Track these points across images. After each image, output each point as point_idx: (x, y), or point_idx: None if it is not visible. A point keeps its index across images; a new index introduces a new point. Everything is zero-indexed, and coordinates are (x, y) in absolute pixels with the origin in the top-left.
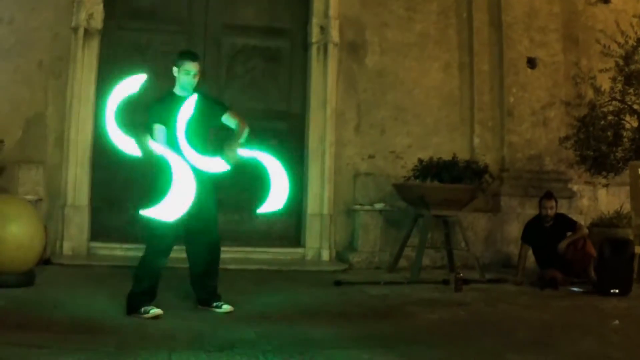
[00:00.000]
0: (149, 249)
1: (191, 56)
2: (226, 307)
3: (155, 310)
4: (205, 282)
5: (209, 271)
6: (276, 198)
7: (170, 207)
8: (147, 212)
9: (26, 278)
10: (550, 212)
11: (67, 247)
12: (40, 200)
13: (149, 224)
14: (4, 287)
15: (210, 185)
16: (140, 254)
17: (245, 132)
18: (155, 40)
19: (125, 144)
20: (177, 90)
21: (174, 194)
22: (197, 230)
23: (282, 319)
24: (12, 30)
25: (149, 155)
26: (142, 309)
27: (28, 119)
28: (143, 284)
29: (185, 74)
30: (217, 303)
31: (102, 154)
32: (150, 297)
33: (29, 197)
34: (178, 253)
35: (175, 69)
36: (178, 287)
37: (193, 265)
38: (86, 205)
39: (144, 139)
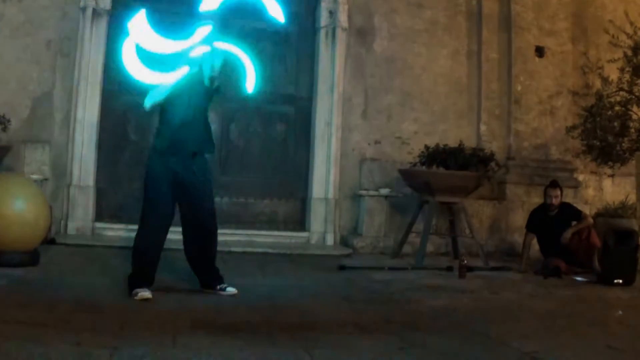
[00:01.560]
0: (139, 228)
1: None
2: (230, 290)
3: (143, 293)
4: (206, 264)
5: (209, 253)
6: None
7: None
8: None
9: (31, 257)
10: (555, 201)
11: (71, 227)
12: (46, 179)
13: (143, 203)
14: (9, 266)
15: (205, 166)
16: None
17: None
18: (162, 22)
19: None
20: None
21: None
22: (193, 213)
23: (287, 303)
24: (21, 9)
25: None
26: (133, 291)
27: (35, 98)
28: (135, 265)
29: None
30: (221, 285)
31: (108, 135)
32: (143, 279)
33: (34, 176)
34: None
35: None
36: (180, 269)
37: (191, 249)
38: (92, 186)
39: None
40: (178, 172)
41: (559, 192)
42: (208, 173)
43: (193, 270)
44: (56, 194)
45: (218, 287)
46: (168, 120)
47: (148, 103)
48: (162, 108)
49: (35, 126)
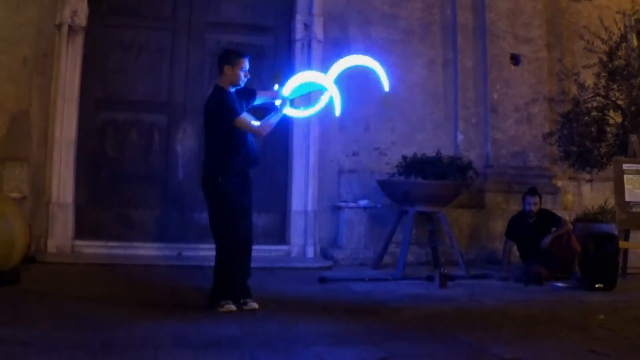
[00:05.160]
0: (221, 246)
1: (245, 53)
2: (252, 305)
3: (228, 306)
4: (243, 278)
5: (247, 267)
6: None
7: None
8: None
9: (11, 276)
10: (534, 208)
11: (51, 245)
12: (25, 198)
13: (217, 223)
14: None
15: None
16: (122, 252)
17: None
18: (139, 37)
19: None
20: (230, 86)
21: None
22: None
23: (268, 316)
24: None
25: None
26: (220, 302)
27: (12, 116)
28: (219, 280)
29: (242, 70)
30: (244, 300)
31: (86, 151)
32: (229, 293)
33: (13, 194)
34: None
35: (228, 67)
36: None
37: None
38: (70, 203)
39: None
40: (248, 188)
41: (537, 199)
42: None
43: None
44: (35, 212)
45: (242, 300)
46: (241, 141)
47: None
48: (234, 130)
49: (13, 144)
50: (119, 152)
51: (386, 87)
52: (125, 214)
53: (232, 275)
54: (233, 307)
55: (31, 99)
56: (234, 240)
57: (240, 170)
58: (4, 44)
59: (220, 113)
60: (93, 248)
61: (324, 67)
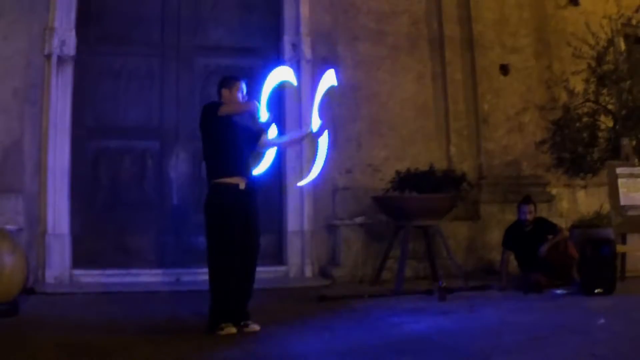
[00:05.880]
0: (217, 271)
1: (240, 77)
2: (253, 327)
3: (228, 329)
4: (236, 299)
5: (243, 289)
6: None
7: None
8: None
9: (10, 307)
10: (529, 217)
11: (49, 275)
12: (21, 229)
13: (210, 245)
14: None
15: (256, 202)
16: (121, 279)
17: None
18: (129, 64)
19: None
20: None
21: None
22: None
23: (268, 336)
24: None
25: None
26: (219, 326)
27: (5, 148)
28: (216, 303)
29: (239, 92)
30: (244, 322)
31: (80, 180)
32: (227, 315)
33: (9, 226)
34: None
35: (225, 90)
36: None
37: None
38: (67, 233)
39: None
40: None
41: (532, 208)
42: None
43: None
44: (31, 242)
45: (242, 322)
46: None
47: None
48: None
49: (7, 176)
50: (112, 180)
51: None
52: (122, 241)
53: (226, 297)
54: (233, 330)
55: (23, 130)
56: (225, 259)
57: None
58: None
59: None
60: (91, 277)
61: (314, 87)
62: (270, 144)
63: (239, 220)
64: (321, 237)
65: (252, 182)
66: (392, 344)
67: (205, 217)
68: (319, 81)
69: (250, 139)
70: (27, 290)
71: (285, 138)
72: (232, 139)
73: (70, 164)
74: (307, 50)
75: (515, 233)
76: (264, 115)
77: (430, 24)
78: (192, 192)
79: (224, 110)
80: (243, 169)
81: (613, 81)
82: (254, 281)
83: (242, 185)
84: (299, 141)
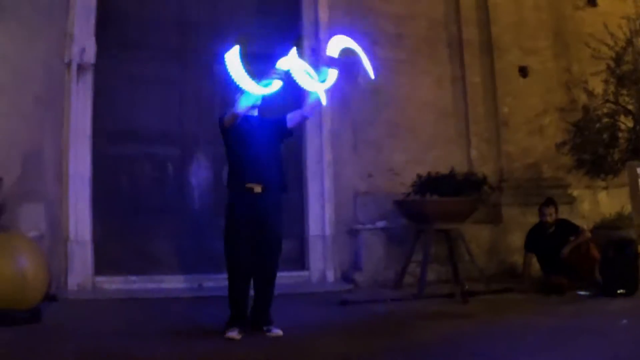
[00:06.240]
0: (229, 274)
1: None
2: (276, 332)
3: (231, 334)
4: (257, 304)
5: (263, 293)
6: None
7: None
8: None
9: (33, 314)
10: (550, 219)
11: (72, 282)
12: (43, 236)
13: (225, 251)
14: (11, 325)
15: (278, 204)
16: (143, 285)
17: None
18: (148, 70)
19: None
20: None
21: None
22: (262, 253)
23: (291, 339)
24: (6, 66)
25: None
26: (226, 330)
27: (26, 155)
28: (231, 308)
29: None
30: (267, 327)
31: (101, 187)
32: (238, 319)
33: (31, 233)
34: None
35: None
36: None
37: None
38: (89, 240)
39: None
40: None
41: (553, 210)
42: None
43: None
44: (54, 249)
45: (264, 327)
46: (240, 154)
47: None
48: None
49: (28, 182)
50: (134, 186)
51: (371, 75)
52: (144, 247)
53: (236, 301)
54: (235, 336)
55: (44, 137)
56: (234, 263)
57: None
58: (14, 82)
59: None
60: (114, 283)
61: (334, 91)
62: (295, 122)
63: (251, 225)
64: (343, 242)
65: (272, 183)
66: (415, 348)
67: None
68: (338, 87)
69: (271, 133)
70: (50, 297)
71: (304, 108)
72: (242, 147)
73: (91, 170)
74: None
75: (538, 235)
76: (271, 86)
77: (449, 27)
78: (214, 197)
79: (227, 122)
80: (257, 174)
81: (632, 81)
82: (273, 285)
83: (257, 189)
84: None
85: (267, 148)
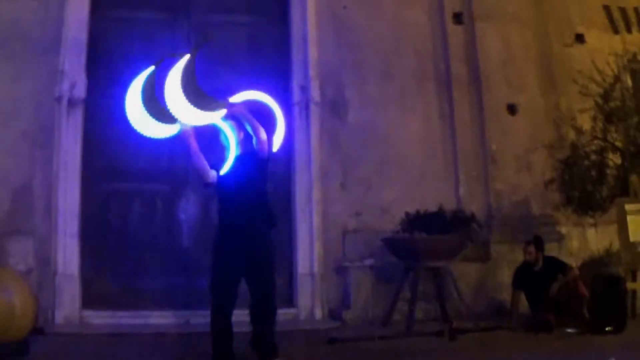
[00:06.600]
0: (211, 308)
1: None
2: None
3: None
4: (261, 338)
5: (265, 327)
6: None
7: None
8: None
9: (20, 347)
10: (529, 257)
11: (59, 316)
12: (31, 270)
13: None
14: None
15: (267, 242)
16: (131, 321)
17: None
18: None
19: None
20: None
21: None
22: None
23: None
24: None
25: None
26: None
27: (15, 190)
28: (214, 346)
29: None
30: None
31: (90, 223)
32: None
33: (19, 267)
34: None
35: None
36: None
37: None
38: (77, 274)
39: None
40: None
41: (532, 248)
42: None
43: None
44: (42, 283)
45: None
46: (221, 193)
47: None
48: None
49: (17, 217)
50: (123, 222)
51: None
52: (132, 283)
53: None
54: None
55: (33, 172)
56: (214, 300)
57: (224, 225)
58: (3, 118)
59: None
60: (101, 318)
61: (323, 129)
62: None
63: (234, 260)
64: (331, 279)
65: (254, 217)
66: None
67: None
68: (327, 123)
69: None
70: (37, 331)
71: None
72: (223, 188)
73: (81, 205)
74: (315, 93)
75: (525, 273)
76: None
77: (437, 63)
78: (202, 234)
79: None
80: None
81: (620, 118)
82: (269, 320)
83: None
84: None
85: (244, 180)
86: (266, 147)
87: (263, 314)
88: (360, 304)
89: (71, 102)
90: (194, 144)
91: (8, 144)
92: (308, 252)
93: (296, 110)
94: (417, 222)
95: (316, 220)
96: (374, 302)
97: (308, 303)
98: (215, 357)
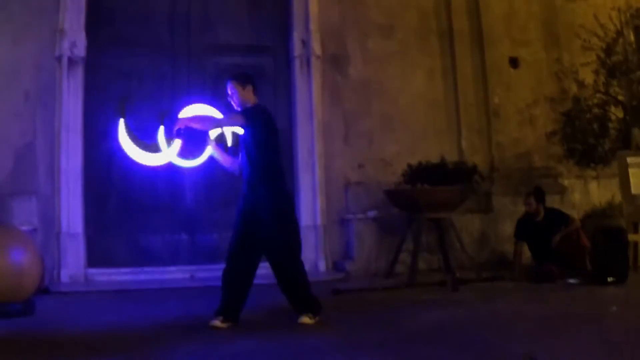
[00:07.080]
0: (298, 259)
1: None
2: (301, 318)
3: (214, 322)
4: (287, 294)
5: (287, 284)
6: None
7: None
8: None
9: (26, 307)
10: (529, 209)
11: (64, 274)
12: (35, 229)
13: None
14: (5, 317)
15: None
16: (135, 277)
17: None
18: (139, 65)
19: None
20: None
21: None
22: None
23: (283, 329)
24: None
25: None
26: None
27: (18, 150)
28: (310, 295)
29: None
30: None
31: (94, 181)
32: (226, 311)
33: (24, 227)
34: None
35: (251, 87)
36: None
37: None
38: (81, 233)
39: None
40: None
41: (532, 200)
42: None
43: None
44: (46, 243)
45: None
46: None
47: None
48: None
49: (21, 177)
50: (124, 182)
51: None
52: (136, 240)
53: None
54: (218, 324)
55: (35, 132)
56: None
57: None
58: (5, 79)
59: None
60: (106, 275)
61: (324, 83)
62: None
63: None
64: (335, 231)
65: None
66: (406, 335)
67: None
68: (328, 77)
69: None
70: (43, 290)
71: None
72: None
73: (83, 165)
74: (316, 47)
75: (527, 224)
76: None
77: (439, 18)
78: (205, 191)
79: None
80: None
81: (622, 72)
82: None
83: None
84: None
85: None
86: (240, 121)
87: (280, 277)
88: (363, 255)
89: (71, 61)
90: (222, 158)
91: (10, 104)
92: (311, 205)
93: (297, 63)
94: (419, 173)
95: (319, 173)
96: (377, 253)
97: (312, 255)
98: (313, 300)
